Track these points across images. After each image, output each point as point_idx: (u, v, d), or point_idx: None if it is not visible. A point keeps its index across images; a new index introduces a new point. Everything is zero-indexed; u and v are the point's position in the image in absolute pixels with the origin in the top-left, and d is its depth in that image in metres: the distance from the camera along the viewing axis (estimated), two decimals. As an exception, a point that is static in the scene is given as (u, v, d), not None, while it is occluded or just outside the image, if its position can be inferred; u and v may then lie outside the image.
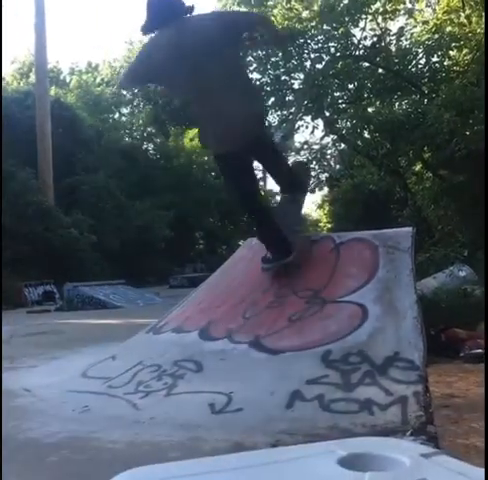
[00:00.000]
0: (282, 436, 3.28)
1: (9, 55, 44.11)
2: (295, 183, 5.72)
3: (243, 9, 15.81)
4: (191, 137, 32.78)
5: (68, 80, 38.08)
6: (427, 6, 17.10)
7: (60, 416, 4.05)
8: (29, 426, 3.84)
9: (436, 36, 14.62)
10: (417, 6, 16.84)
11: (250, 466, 1.12)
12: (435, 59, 14.92)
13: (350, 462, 1.11)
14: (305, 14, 15.99)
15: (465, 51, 14.11)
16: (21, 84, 33.72)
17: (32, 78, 30.81)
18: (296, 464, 1.13)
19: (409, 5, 16.60)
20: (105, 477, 1.15)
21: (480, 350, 5.53)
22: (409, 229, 5.02)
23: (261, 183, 40.77)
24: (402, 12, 16.51)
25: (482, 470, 1.08)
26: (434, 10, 16.82)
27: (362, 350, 3.97)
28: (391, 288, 4.46)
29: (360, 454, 1.15)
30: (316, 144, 20.71)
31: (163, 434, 3.51)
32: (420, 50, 14.98)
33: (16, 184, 19.93)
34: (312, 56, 16.43)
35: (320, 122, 17.70)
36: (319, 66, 16.33)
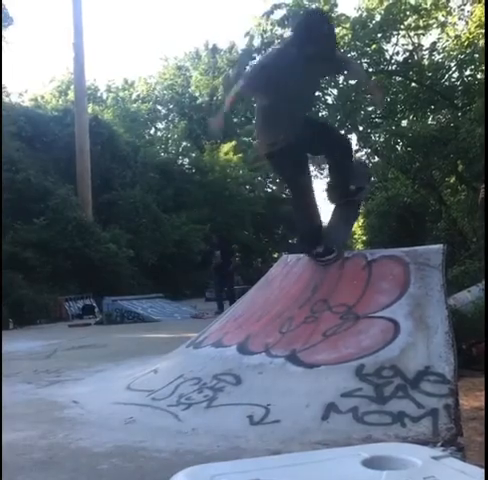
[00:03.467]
0: (318, 446, 3.44)
1: (48, 73, 45.12)
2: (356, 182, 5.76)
3: (277, 29, 16.13)
4: (225, 151, 33.06)
5: (105, 97, 38.73)
6: (460, 19, 17.15)
7: (108, 427, 4.29)
8: (79, 436, 4.08)
9: (469, 50, 14.71)
10: (450, 19, 16.90)
11: (287, 465, 1.34)
12: (468, 73, 15.01)
13: (372, 463, 1.34)
14: (337, 31, 16.17)
15: (498, 64, 14.14)
16: (60, 102, 34.35)
17: (70, 96, 31.46)
18: (326, 463, 1.35)
19: (442, 18, 16.69)
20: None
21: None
22: (440, 246, 5.12)
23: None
24: (434, 26, 16.61)
25: (483, 470, 1.28)
26: (466, 23, 16.86)
27: (394, 364, 4.10)
28: (422, 304, 4.58)
29: (381, 456, 1.38)
30: (350, 158, 20.78)
31: (205, 444, 3.72)
32: (453, 64, 15.09)
33: (56, 201, 20.43)
34: (345, 72, 16.58)
35: (354, 136, 17.84)
36: (352, 82, 16.49)
